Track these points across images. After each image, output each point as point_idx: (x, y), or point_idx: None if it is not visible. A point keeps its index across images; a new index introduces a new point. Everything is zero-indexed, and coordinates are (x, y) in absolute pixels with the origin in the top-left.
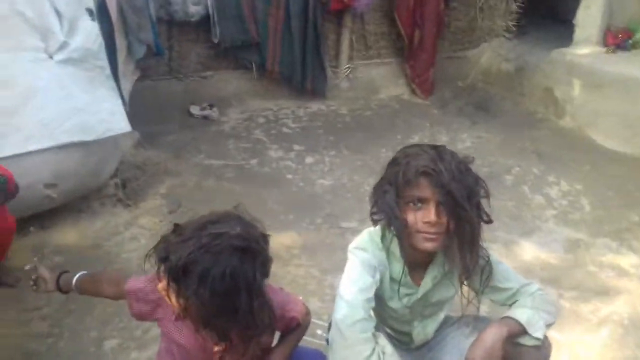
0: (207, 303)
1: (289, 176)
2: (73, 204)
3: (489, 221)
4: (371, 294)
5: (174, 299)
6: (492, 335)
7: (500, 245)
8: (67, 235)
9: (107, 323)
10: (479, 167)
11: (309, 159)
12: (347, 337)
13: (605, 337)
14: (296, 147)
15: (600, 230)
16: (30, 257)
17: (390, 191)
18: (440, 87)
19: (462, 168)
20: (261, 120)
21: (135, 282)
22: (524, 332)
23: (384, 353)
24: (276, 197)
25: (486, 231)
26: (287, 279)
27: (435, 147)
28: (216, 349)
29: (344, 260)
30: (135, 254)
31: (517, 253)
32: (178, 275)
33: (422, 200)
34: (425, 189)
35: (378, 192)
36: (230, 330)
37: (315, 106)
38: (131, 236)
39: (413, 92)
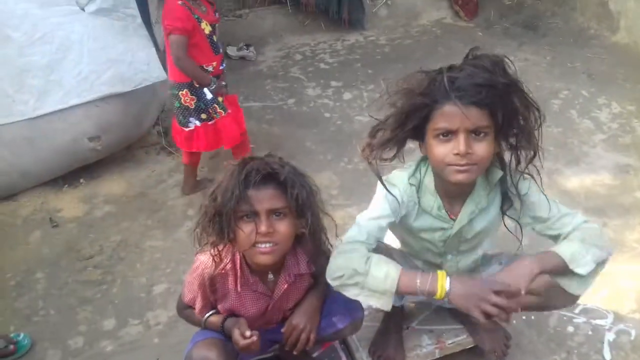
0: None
1: (327, 114)
2: (118, 154)
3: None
4: (384, 223)
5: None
6: (522, 269)
7: (542, 175)
8: (115, 184)
9: (155, 269)
10: None
11: (346, 95)
12: (340, 249)
13: None
14: (334, 83)
15: None
16: (82, 207)
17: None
18: (485, 7)
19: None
20: (298, 57)
21: (190, 293)
22: (565, 267)
23: (369, 257)
24: (314, 137)
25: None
26: (326, 219)
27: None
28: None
29: None
30: (180, 201)
31: (561, 183)
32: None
33: (450, 132)
34: (451, 120)
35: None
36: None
37: (353, 38)
38: (175, 183)
39: (456, 14)
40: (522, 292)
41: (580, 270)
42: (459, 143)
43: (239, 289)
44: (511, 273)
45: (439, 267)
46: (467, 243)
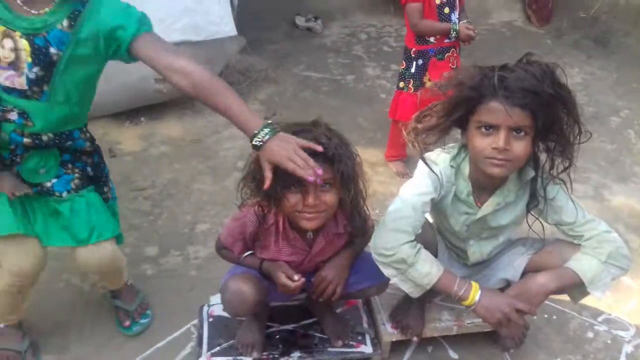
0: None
1: (383, 95)
2: (180, 101)
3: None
4: (427, 199)
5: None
6: (538, 287)
7: (589, 187)
8: (173, 128)
9: (200, 209)
10: (584, 107)
11: None
12: (388, 224)
13: None
14: (394, 66)
15: None
16: (140, 144)
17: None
18: (558, 16)
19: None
20: (363, 36)
21: (230, 237)
22: (581, 284)
23: (419, 250)
24: (367, 115)
25: (577, 172)
26: (368, 193)
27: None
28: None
29: None
30: (231, 152)
31: (606, 197)
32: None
33: (492, 127)
34: (495, 116)
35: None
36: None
37: None
38: (229, 135)
39: (528, 18)
40: (534, 313)
41: (598, 292)
42: (499, 138)
43: (280, 244)
44: (529, 292)
45: (463, 251)
46: (489, 231)
